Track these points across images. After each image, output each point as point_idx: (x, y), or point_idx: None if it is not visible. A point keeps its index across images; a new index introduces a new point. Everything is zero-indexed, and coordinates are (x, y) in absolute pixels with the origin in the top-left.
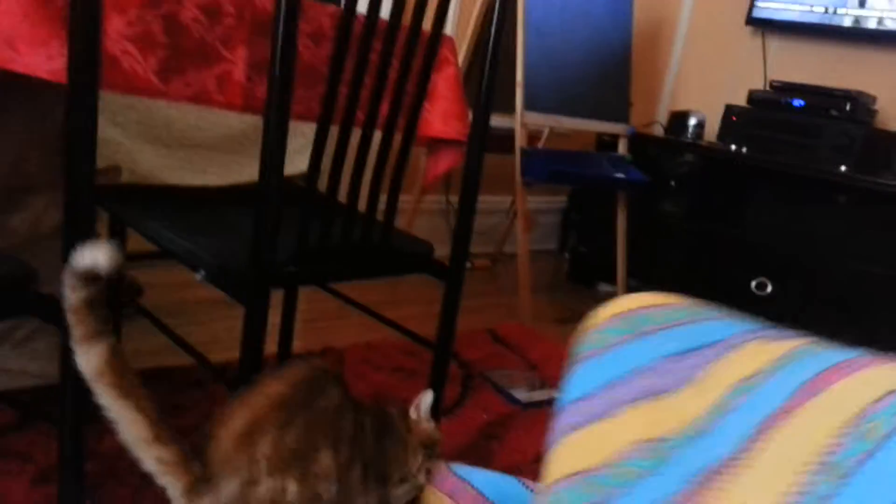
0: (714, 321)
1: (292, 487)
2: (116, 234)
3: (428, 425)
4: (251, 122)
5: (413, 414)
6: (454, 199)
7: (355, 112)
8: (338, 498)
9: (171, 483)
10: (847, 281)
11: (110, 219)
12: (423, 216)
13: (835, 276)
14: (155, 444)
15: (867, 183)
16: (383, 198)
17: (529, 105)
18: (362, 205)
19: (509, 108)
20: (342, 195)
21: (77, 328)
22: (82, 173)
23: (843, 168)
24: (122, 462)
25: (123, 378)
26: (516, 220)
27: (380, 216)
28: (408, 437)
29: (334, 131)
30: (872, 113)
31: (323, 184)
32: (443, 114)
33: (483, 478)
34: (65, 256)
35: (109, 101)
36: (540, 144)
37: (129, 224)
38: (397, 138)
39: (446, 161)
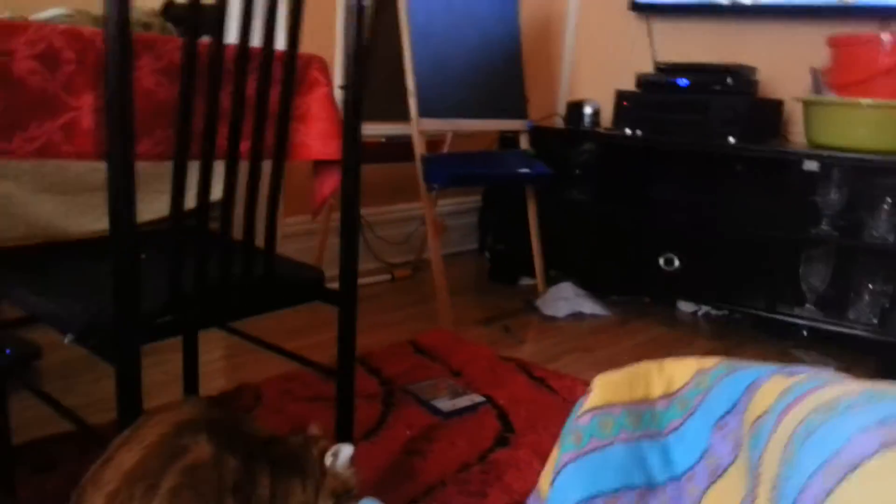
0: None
1: None
2: None
3: (344, 472)
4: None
5: (328, 460)
6: (366, 211)
7: (214, 144)
8: None
9: None
10: (749, 248)
11: None
12: (336, 234)
13: (736, 243)
14: None
15: (756, 152)
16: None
17: (425, 111)
18: (239, 236)
19: (408, 117)
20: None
21: None
22: None
23: (732, 140)
24: None
25: None
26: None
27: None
28: (317, 478)
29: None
30: (754, 84)
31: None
32: (320, 135)
33: None
34: None
35: None
36: (445, 148)
37: None
38: (272, 164)
39: (331, 182)
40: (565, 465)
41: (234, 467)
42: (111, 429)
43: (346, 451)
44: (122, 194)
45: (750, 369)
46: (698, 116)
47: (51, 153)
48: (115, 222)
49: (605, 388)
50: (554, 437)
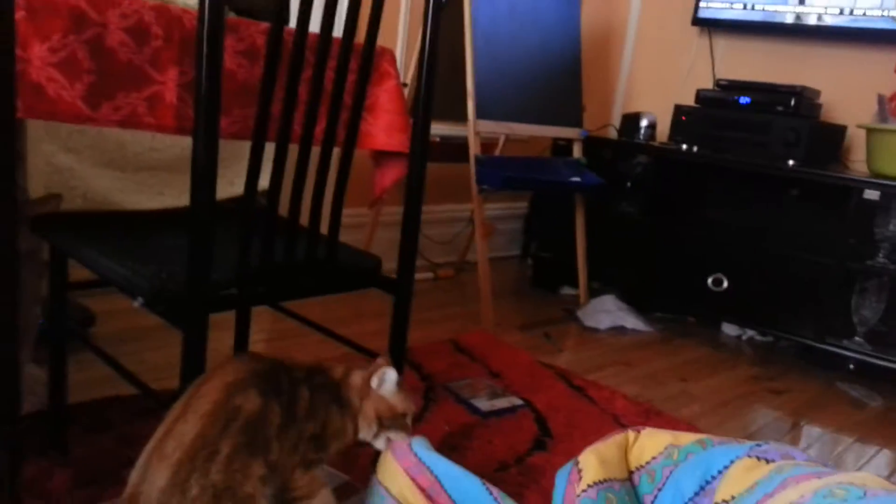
0: None
1: None
2: (58, 262)
3: (391, 397)
4: None
5: (374, 383)
6: None
7: (290, 128)
8: (275, 492)
9: None
10: (800, 273)
11: (50, 249)
12: (384, 228)
13: (787, 268)
14: None
15: (815, 175)
16: (329, 213)
17: (482, 113)
18: (306, 221)
19: (464, 118)
20: (285, 213)
21: None
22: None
23: (791, 162)
24: (72, 499)
25: None
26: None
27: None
28: (356, 406)
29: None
30: (817, 107)
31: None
32: (386, 127)
33: (445, 469)
34: None
35: (60, 128)
36: (497, 151)
37: (67, 253)
38: (340, 153)
39: (392, 174)
40: None
41: (277, 411)
42: (164, 394)
43: (390, 374)
44: (204, 167)
45: (721, 449)
46: (758, 136)
47: (133, 123)
48: (196, 193)
49: (600, 461)
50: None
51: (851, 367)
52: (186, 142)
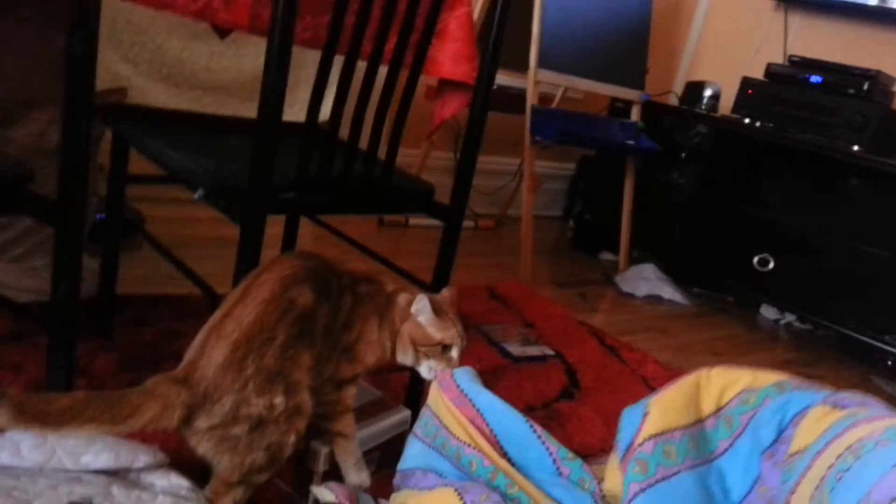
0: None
1: (278, 400)
2: (120, 153)
3: (429, 326)
4: (262, 69)
5: (413, 308)
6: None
7: (361, 42)
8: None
9: (168, 424)
10: (850, 262)
11: (113, 139)
12: (429, 172)
13: (838, 256)
14: (127, 421)
15: (879, 164)
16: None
17: (543, 63)
18: (365, 143)
19: (522, 68)
20: (345, 133)
21: None
22: (81, 93)
23: (856, 148)
24: (114, 381)
25: (46, 415)
26: (523, 182)
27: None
28: (396, 327)
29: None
30: (890, 94)
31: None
32: (453, 55)
33: (488, 401)
34: (63, 174)
35: (121, 39)
36: (554, 105)
37: (131, 142)
38: (403, 79)
39: (453, 104)
40: (635, 495)
41: (325, 312)
42: (204, 299)
43: (425, 303)
44: (277, 68)
45: (798, 394)
46: (825, 118)
47: (208, 15)
48: (267, 87)
49: (662, 411)
50: (620, 404)
51: (890, 363)
52: (243, 66)
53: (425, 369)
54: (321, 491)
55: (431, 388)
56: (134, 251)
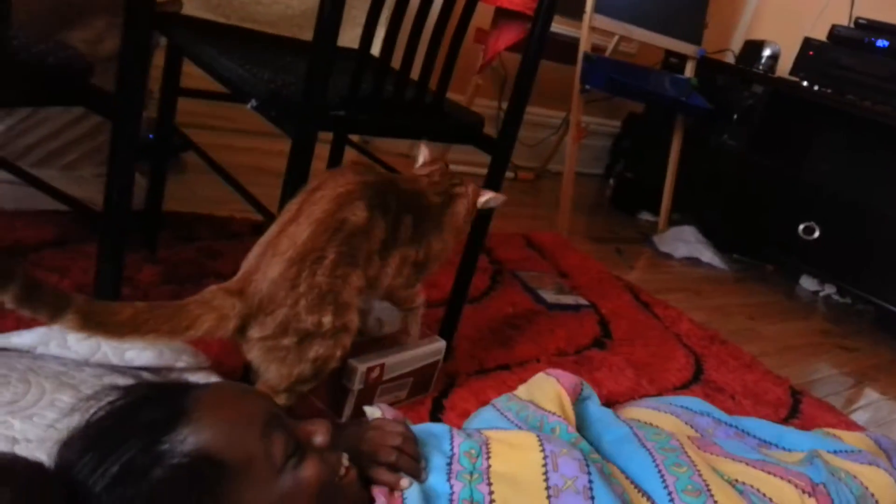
0: None
1: (327, 319)
2: (173, 63)
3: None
4: (310, 5)
5: (482, 199)
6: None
7: None
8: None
9: (224, 334)
10: None
11: (168, 48)
12: None
13: (886, 229)
14: (186, 332)
15: None
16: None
17: (600, 8)
18: (417, 72)
19: (574, 14)
20: (397, 61)
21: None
22: None
23: None
24: (157, 291)
25: (110, 325)
26: (566, 137)
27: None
28: (457, 230)
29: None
30: None
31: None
32: None
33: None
34: (121, 79)
35: None
36: (607, 54)
37: (186, 50)
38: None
39: (509, 35)
40: None
41: (382, 227)
42: (245, 222)
43: (497, 199)
44: None
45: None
46: (888, 84)
47: None
48: (325, 5)
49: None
50: (652, 357)
51: None
52: (291, 0)
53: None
54: (371, 409)
55: (533, 378)
56: (179, 173)
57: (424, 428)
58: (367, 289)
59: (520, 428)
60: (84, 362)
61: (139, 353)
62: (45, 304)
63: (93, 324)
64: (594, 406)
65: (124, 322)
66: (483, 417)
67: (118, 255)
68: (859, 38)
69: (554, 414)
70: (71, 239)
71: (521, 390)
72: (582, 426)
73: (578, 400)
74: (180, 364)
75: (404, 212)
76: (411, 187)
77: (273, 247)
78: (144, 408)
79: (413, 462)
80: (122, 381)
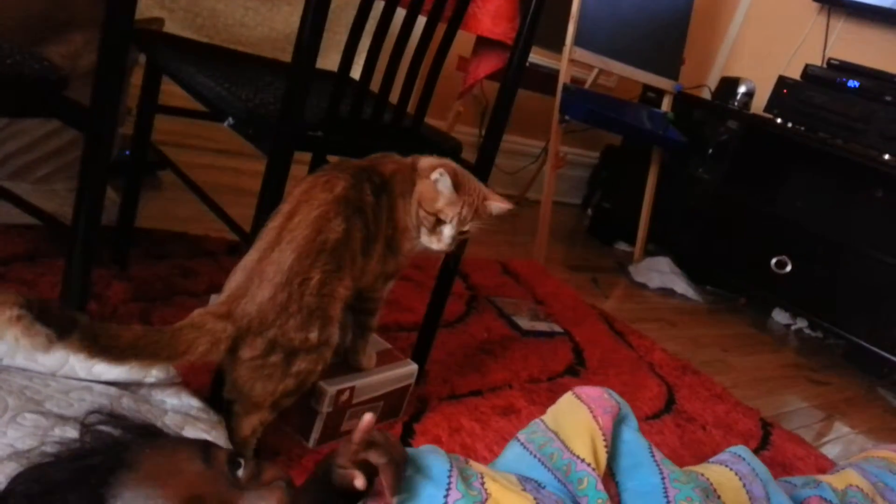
0: None
1: (314, 335)
2: (152, 80)
3: (441, 196)
4: (294, 28)
5: (434, 175)
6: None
7: None
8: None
9: (216, 356)
10: (868, 271)
11: (147, 65)
12: None
13: (857, 264)
14: (183, 356)
15: None
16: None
17: (580, 41)
18: (396, 96)
19: (555, 46)
20: (377, 84)
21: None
22: (122, 12)
23: (886, 156)
24: (125, 309)
25: (113, 349)
26: (545, 166)
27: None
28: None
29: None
30: None
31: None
32: (493, 13)
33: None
34: (96, 93)
35: None
36: (586, 87)
37: (164, 68)
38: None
39: (489, 64)
40: None
41: (360, 227)
42: (218, 241)
43: (445, 181)
44: (316, 4)
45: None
46: (859, 124)
47: None
48: (306, 25)
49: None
50: (624, 386)
51: None
52: (275, 23)
53: (425, 237)
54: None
55: (561, 401)
56: (154, 190)
57: (425, 462)
58: (354, 285)
59: (544, 465)
60: (51, 375)
61: (108, 368)
62: (53, 324)
63: (97, 347)
64: (630, 433)
65: (126, 347)
66: (507, 458)
67: (86, 270)
68: (832, 78)
69: (583, 461)
70: (41, 253)
71: (549, 416)
72: (612, 456)
73: (614, 423)
74: (149, 379)
75: (381, 194)
76: (386, 168)
77: (259, 273)
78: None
79: (382, 459)
80: (91, 397)
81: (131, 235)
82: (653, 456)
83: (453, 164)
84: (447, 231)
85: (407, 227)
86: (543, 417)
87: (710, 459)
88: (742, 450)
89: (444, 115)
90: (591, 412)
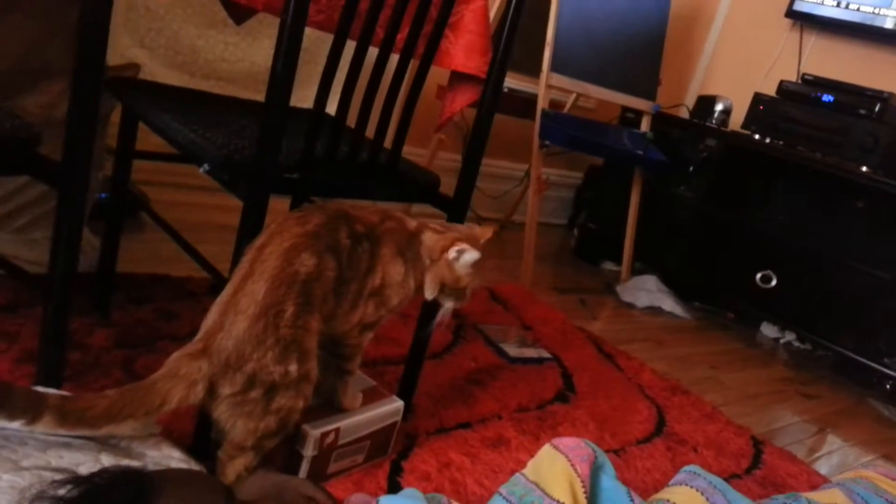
0: None
1: (293, 368)
2: (128, 126)
3: (461, 269)
4: None
5: (451, 255)
6: None
7: (374, 28)
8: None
9: (195, 399)
10: (853, 283)
11: (123, 112)
12: (436, 172)
13: (841, 276)
14: (160, 409)
15: (888, 186)
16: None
17: (557, 67)
18: (372, 131)
19: (534, 72)
20: (352, 120)
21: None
22: (92, 63)
23: (864, 168)
24: (108, 356)
25: (87, 419)
26: (529, 186)
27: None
28: (425, 265)
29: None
30: None
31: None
32: (466, 47)
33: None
34: (69, 140)
35: (138, 24)
36: (565, 111)
37: (140, 115)
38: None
39: (464, 97)
40: None
41: (332, 266)
42: (203, 282)
43: (469, 256)
44: (289, 45)
45: None
46: (835, 137)
47: None
48: (279, 66)
49: None
50: (614, 410)
51: (888, 386)
52: (256, 58)
53: (449, 305)
54: None
55: (540, 453)
56: (135, 233)
57: None
58: (325, 325)
59: None
60: (28, 433)
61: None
62: (20, 410)
63: (70, 421)
64: (608, 480)
65: (100, 415)
66: None
67: (63, 320)
68: (806, 93)
69: None
70: (22, 304)
71: (529, 469)
72: (591, 503)
73: (591, 471)
74: (128, 432)
75: (360, 241)
76: (374, 214)
77: (233, 306)
78: None
79: None
80: (69, 454)
81: (112, 281)
82: (632, 501)
83: (454, 235)
84: (468, 292)
85: (400, 286)
86: (524, 471)
87: (670, 482)
88: (694, 468)
89: (425, 143)
90: (570, 461)
